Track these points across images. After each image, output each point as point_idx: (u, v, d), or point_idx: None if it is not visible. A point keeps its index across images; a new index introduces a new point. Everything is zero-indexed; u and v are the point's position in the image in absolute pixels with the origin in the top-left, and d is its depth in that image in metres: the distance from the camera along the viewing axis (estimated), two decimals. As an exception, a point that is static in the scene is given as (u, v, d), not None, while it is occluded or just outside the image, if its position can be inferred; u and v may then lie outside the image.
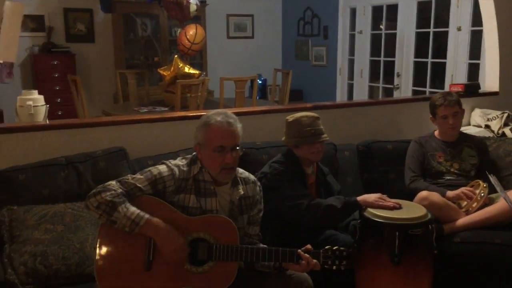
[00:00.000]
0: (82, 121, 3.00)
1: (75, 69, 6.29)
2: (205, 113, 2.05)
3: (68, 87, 5.30)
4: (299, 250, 1.93)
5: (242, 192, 2.06)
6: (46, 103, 2.83)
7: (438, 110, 2.95)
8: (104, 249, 1.86)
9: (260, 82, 7.37)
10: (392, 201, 2.23)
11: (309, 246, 1.97)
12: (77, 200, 2.30)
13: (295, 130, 2.46)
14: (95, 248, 1.88)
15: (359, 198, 2.27)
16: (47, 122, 2.75)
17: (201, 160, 1.99)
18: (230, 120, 1.96)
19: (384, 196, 2.26)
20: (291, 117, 2.52)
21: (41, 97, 2.78)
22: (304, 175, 2.48)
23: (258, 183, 2.17)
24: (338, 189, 2.62)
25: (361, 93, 6.61)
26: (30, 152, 2.51)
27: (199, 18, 6.47)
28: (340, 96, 6.94)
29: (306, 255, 1.92)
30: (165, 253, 1.83)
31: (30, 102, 2.70)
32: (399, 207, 2.20)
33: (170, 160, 2.02)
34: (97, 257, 1.85)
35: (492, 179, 1.70)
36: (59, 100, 6.00)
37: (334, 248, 1.97)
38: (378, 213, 2.14)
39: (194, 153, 2.05)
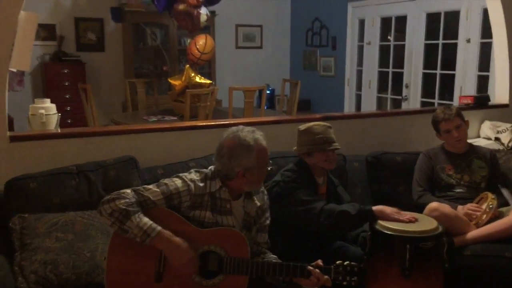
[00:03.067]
0: (93, 130, 3.03)
1: (85, 78, 6.34)
2: (229, 135, 2.00)
3: (78, 96, 5.35)
4: (309, 266, 1.92)
5: (259, 204, 2.07)
6: (58, 112, 2.85)
7: (440, 125, 2.97)
8: (114, 259, 1.86)
9: (268, 92, 7.38)
10: (408, 216, 2.22)
11: (319, 261, 1.96)
12: (87, 208, 2.31)
13: (308, 138, 2.47)
14: (105, 258, 1.88)
15: (375, 208, 2.26)
16: (59, 130, 2.77)
17: (240, 183, 1.98)
18: (260, 134, 2.01)
19: (400, 211, 2.25)
20: (303, 126, 2.54)
21: (53, 105, 2.81)
22: (315, 185, 2.48)
23: (265, 191, 2.18)
24: (348, 200, 2.61)
25: (369, 104, 6.60)
26: (41, 160, 2.53)
27: (208, 28, 6.51)
28: (348, 106, 6.94)
29: (317, 270, 1.91)
30: (174, 267, 1.83)
31: (43, 111, 2.72)
32: (414, 221, 2.19)
33: (185, 174, 2.01)
34: (108, 267, 1.86)
35: (505, 193, 1.69)
36: (69, 108, 6.03)
37: (345, 263, 1.96)
38: (389, 226, 2.14)
39: (210, 168, 2.04)
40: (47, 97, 2.93)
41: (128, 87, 5.92)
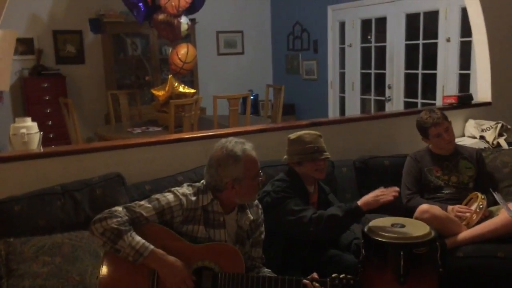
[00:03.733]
0: (77, 148, 2.96)
1: (66, 91, 6.25)
2: (217, 146, 2.00)
3: (59, 109, 5.27)
4: (305, 280, 1.90)
5: (252, 217, 2.04)
6: (38, 126, 2.79)
7: (429, 131, 2.96)
8: (107, 278, 1.82)
9: (252, 97, 7.37)
10: (391, 193, 2.23)
11: (315, 274, 1.94)
12: (74, 229, 2.25)
13: (298, 147, 2.45)
14: (97, 277, 1.84)
15: (360, 202, 2.28)
16: (41, 149, 2.71)
17: (231, 195, 1.96)
18: (249, 145, 1.99)
19: (381, 190, 2.25)
20: (293, 135, 2.52)
21: (35, 124, 2.74)
22: (306, 194, 2.46)
23: (260, 206, 2.15)
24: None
25: (353, 106, 6.63)
26: (25, 181, 2.47)
27: (189, 36, 6.47)
28: (332, 109, 6.95)
29: (314, 284, 1.89)
30: (168, 286, 1.79)
31: (24, 130, 2.66)
32: (396, 194, 2.21)
33: (177, 188, 1.99)
34: (100, 285, 1.81)
35: (497, 196, 1.69)
36: (50, 123, 5.93)
37: (341, 276, 1.94)
38: (382, 233, 2.12)
39: (202, 181, 2.02)
40: (28, 112, 2.88)
41: (110, 98, 5.84)
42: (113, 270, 1.83)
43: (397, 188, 2.29)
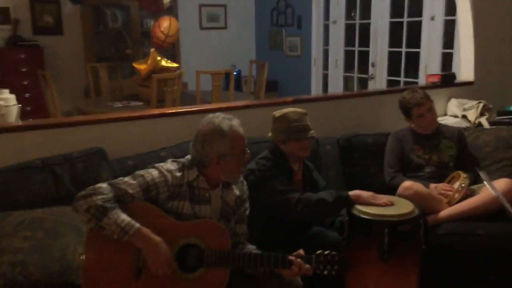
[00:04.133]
0: (57, 121, 2.89)
1: (44, 63, 6.07)
2: (204, 121, 1.96)
3: (37, 82, 5.12)
4: (290, 256, 1.90)
5: (238, 193, 2.03)
6: (17, 102, 2.71)
7: (412, 111, 2.95)
8: (91, 256, 1.80)
9: (235, 73, 7.29)
10: (384, 199, 2.22)
11: (301, 251, 1.94)
12: (55, 204, 2.20)
13: (283, 125, 2.42)
14: (81, 254, 1.81)
15: (352, 193, 2.25)
16: (20, 122, 2.63)
17: (216, 171, 1.93)
18: (236, 121, 1.96)
19: (376, 195, 2.25)
20: (278, 112, 2.48)
21: (13, 96, 2.67)
22: (291, 172, 2.45)
23: (245, 182, 2.13)
24: (324, 185, 2.60)
25: (336, 83, 6.62)
26: (3, 155, 2.39)
27: (171, 9, 6.34)
28: (315, 86, 6.93)
29: (298, 260, 1.89)
30: (150, 266, 1.77)
31: (1, 102, 2.58)
32: (391, 204, 2.19)
33: (162, 164, 1.95)
34: (84, 264, 1.79)
35: (482, 174, 1.71)
36: (27, 95, 5.76)
37: (326, 252, 1.94)
38: (367, 210, 2.13)
39: (186, 157, 1.99)
40: (4, 85, 2.80)
41: (90, 71, 5.72)
42: (98, 247, 1.80)
43: (392, 199, 2.27)
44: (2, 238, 2.03)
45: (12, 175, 2.23)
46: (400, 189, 2.62)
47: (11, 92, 2.69)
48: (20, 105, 2.66)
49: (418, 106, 2.93)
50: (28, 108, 5.61)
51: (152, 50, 4.83)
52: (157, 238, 1.77)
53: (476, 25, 3.97)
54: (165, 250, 1.77)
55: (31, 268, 1.96)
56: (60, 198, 2.24)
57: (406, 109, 2.99)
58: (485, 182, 1.71)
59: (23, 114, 2.79)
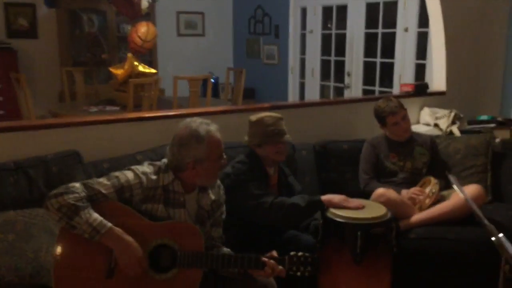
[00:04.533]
0: (31, 123, 2.85)
1: (17, 67, 5.97)
2: (182, 125, 1.96)
3: (11, 86, 5.04)
4: (263, 258, 1.91)
5: (213, 197, 2.03)
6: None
7: (387, 119, 3.01)
8: (63, 255, 1.77)
9: (212, 81, 7.30)
10: (355, 203, 2.26)
11: (274, 252, 1.96)
12: (28, 206, 2.17)
13: (259, 129, 2.45)
14: (53, 254, 1.79)
15: (323, 197, 2.28)
16: (-8, 124, 2.59)
17: (191, 176, 1.93)
18: (214, 126, 1.96)
19: (348, 198, 2.29)
20: (254, 117, 2.51)
21: (-15, 98, 2.62)
22: (267, 176, 2.47)
23: (222, 186, 2.14)
24: (299, 189, 2.63)
25: (312, 92, 6.70)
26: (-25, 157, 2.36)
27: (148, 15, 6.32)
28: (292, 94, 7.00)
29: (272, 261, 1.91)
30: (121, 266, 1.76)
31: (-27, 104, 2.53)
32: (362, 208, 2.24)
33: (137, 167, 1.94)
34: (55, 263, 1.76)
35: (452, 179, 1.77)
36: (0, 99, 5.68)
37: (299, 254, 1.96)
38: (340, 213, 2.17)
39: (163, 160, 1.99)
40: (-23, 88, 2.74)
41: (65, 76, 5.66)
42: (70, 246, 1.78)
43: (364, 203, 2.31)
44: (-28, 240, 1.99)
45: (-17, 177, 2.20)
46: (373, 196, 2.67)
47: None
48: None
49: (392, 114, 3.00)
50: (1, 112, 5.53)
51: (129, 55, 4.82)
52: (129, 238, 1.76)
53: (447, 36, 4.08)
54: (137, 250, 1.77)
55: (2, 270, 1.94)
56: (33, 200, 2.22)
57: (381, 117, 3.05)
58: (454, 186, 1.76)
59: (-4, 118, 2.73)
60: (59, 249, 1.78)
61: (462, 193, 1.70)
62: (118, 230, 1.76)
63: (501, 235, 1.57)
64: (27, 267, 1.98)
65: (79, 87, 5.69)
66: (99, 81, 6.22)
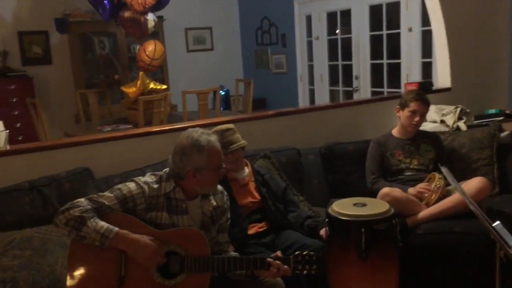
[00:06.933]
0: (43, 144, 2.97)
1: (34, 92, 6.16)
2: (184, 134, 2.02)
3: (28, 111, 5.21)
4: (268, 258, 1.96)
5: (215, 203, 2.10)
6: (6, 129, 2.79)
7: (411, 103, 3.01)
8: (75, 268, 1.86)
9: (223, 93, 7.42)
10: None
11: (279, 253, 2.02)
12: (43, 223, 2.28)
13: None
14: (65, 268, 1.87)
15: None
16: (8, 147, 2.72)
17: (192, 184, 1.99)
18: (215, 136, 2.02)
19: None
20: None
21: (0, 122, 2.75)
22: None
23: (225, 193, 2.21)
24: (283, 186, 2.73)
25: (322, 98, 6.74)
26: (-8, 179, 2.48)
27: (157, 34, 6.47)
28: (303, 102, 7.05)
29: (277, 262, 1.96)
30: (140, 262, 1.84)
31: (-11, 129, 2.66)
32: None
33: (139, 177, 2.02)
34: (68, 276, 1.85)
35: (444, 170, 1.79)
36: (18, 125, 5.86)
37: (304, 253, 2.00)
38: (343, 211, 2.21)
39: (165, 170, 2.06)
40: (-5, 115, 2.87)
41: (79, 98, 5.82)
42: (80, 258, 1.86)
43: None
44: (-8, 257, 2.09)
45: (1, 198, 2.32)
46: (379, 196, 2.70)
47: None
48: (8, 131, 2.73)
49: (419, 103, 3.00)
50: (20, 138, 5.71)
51: (141, 73, 4.95)
52: (136, 235, 1.84)
53: (449, 34, 4.11)
54: (149, 243, 1.84)
55: (21, 284, 2.04)
56: (48, 217, 2.29)
57: (406, 100, 3.05)
58: (446, 176, 1.80)
59: (15, 143, 2.87)
60: (70, 262, 1.86)
61: (454, 183, 1.74)
62: (125, 232, 1.85)
63: (497, 223, 1.60)
64: (44, 280, 2.07)
65: (93, 108, 5.85)
66: (112, 101, 6.37)
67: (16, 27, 6.28)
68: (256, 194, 2.60)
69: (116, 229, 1.83)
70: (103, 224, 1.83)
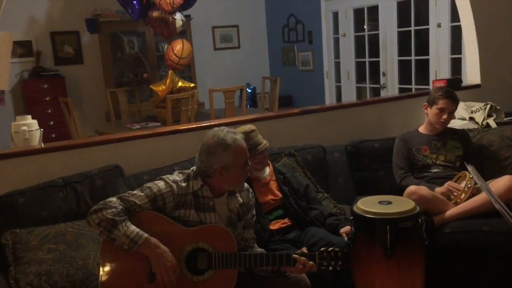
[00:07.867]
0: (76, 142, 3.07)
1: (66, 91, 6.35)
2: (209, 134, 2.06)
3: (60, 110, 5.38)
4: (294, 254, 1.99)
5: (242, 200, 2.14)
6: (40, 127, 2.90)
7: (439, 101, 3.00)
8: (107, 264, 1.92)
9: (249, 90, 7.46)
10: None
11: (304, 249, 2.05)
12: (77, 219, 2.37)
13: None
14: (98, 264, 1.94)
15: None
16: (42, 145, 2.82)
17: (219, 181, 2.03)
18: (240, 135, 2.06)
19: None
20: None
21: (35, 121, 2.85)
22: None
23: (251, 190, 2.24)
24: (305, 184, 2.75)
25: (349, 95, 6.71)
26: (27, 176, 2.58)
27: (185, 32, 6.56)
28: (329, 99, 7.03)
29: (302, 258, 1.99)
30: (156, 272, 1.89)
31: (25, 127, 2.76)
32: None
33: (168, 176, 2.07)
34: (101, 272, 1.92)
35: (470, 168, 1.77)
36: (52, 123, 6.05)
37: (330, 249, 2.03)
38: (369, 209, 2.22)
39: (192, 168, 2.11)
40: (29, 114, 2.97)
41: (109, 97, 5.95)
42: (112, 255, 1.93)
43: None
44: (28, 251, 2.19)
45: (36, 194, 2.42)
46: (405, 194, 2.68)
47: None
48: (42, 129, 2.83)
49: (447, 99, 2.99)
50: (53, 135, 5.89)
51: (170, 71, 5.04)
52: (164, 248, 1.89)
53: (478, 29, 4.04)
54: (171, 258, 1.89)
55: (55, 277, 2.12)
56: (81, 213, 2.39)
57: (435, 97, 3.04)
58: (472, 175, 1.78)
59: (48, 141, 2.97)
60: (103, 259, 1.93)
61: (480, 181, 1.73)
62: (154, 240, 1.90)
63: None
64: (77, 273, 2.16)
65: (123, 106, 5.98)
66: (142, 100, 6.51)
67: (49, 27, 6.48)
68: (278, 192, 2.64)
69: (145, 235, 1.88)
70: (133, 229, 1.88)
